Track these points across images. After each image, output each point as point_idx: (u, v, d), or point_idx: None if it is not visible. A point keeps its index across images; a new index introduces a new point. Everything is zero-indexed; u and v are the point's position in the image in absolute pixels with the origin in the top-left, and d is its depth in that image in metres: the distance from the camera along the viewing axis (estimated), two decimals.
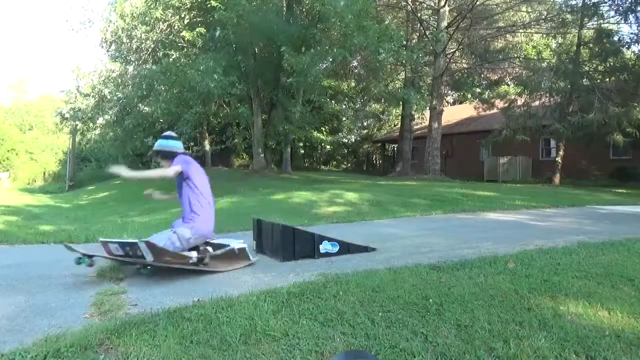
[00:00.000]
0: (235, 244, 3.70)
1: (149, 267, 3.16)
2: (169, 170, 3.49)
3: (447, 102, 26.80)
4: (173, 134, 3.89)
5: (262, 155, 16.59)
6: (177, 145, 3.72)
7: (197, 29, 12.89)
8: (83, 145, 31.86)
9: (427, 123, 19.81)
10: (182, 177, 3.55)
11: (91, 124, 21.47)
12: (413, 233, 5.29)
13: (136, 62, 15.70)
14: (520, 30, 19.14)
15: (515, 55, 19.37)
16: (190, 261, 3.37)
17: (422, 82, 20.77)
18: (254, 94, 15.71)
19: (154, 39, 14.15)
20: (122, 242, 3.24)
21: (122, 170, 3.44)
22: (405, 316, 2.31)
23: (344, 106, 27.71)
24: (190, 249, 3.48)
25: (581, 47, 15.88)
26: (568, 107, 15.26)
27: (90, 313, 2.51)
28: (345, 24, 12.06)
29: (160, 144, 3.70)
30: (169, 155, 3.62)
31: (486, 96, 20.21)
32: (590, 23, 16.21)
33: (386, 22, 15.77)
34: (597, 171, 16.41)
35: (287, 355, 1.91)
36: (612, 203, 9.01)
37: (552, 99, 15.96)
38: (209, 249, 3.58)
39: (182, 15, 13.96)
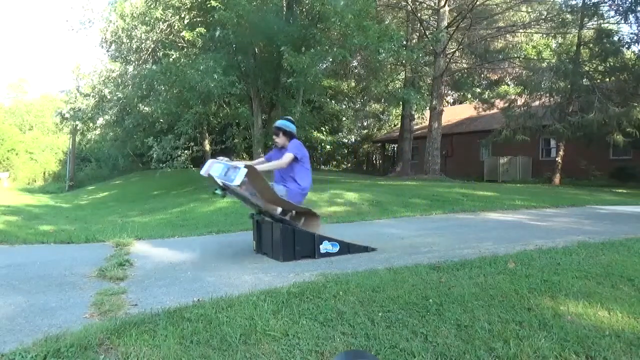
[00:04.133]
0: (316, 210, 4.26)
1: (224, 191, 3.56)
2: (284, 160, 4.07)
3: (447, 102, 26.79)
4: (293, 120, 4.51)
5: (262, 155, 16.56)
6: (294, 129, 4.37)
7: (197, 29, 12.87)
8: (83, 145, 31.84)
9: (427, 123, 19.82)
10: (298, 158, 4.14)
11: (91, 124, 21.42)
12: (413, 233, 5.29)
13: (136, 62, 15.67)
14: (520, 30, 19.13)
15: (515, 55, 19.36)
16: (278, 212, 3.86)
17: (422, 82, 20.76)
18: (254, 94, 15.69)
19: (154, 39, 14.13)
20: (230, 165, 3.52)
21: (237, 163, 3.81)
22: (405, 316, 2.31)
23: (344, 106, 27.68)
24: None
25: (581, 47, 15.88)
26: (568, 107, 15.26)
27: (90, 313, 2.51)
28: (345, 24, 12.05)
29: (284, 123, 4.34)
30: (287, 134, 4.28)
31: (486, 96, 20.21)
32: (590, 23, 16.22)
33: (386, 22, 15.79)
34: (597, 171, 16.40)
35: (287, 355, 1.91)
36: (612, 203, 9.01)
37: (552, 99, 15.96)
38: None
39: (182, 15, 13.94)
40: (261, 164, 4.18)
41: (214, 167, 3.62)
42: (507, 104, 16.81)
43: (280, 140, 4.32)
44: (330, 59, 15.22)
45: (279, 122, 4.41)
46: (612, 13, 15.92)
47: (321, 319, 2.28)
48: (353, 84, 23.65)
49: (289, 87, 15.62)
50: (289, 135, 4.29)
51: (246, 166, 3.39)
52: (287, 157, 4.06)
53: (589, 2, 15.39)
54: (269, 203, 3.84)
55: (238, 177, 3.31)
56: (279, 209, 3.91)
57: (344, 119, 28.75)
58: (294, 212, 4.14)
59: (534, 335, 2.06)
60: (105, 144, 26.93)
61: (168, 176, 16.80)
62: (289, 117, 4.54)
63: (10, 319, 2.41)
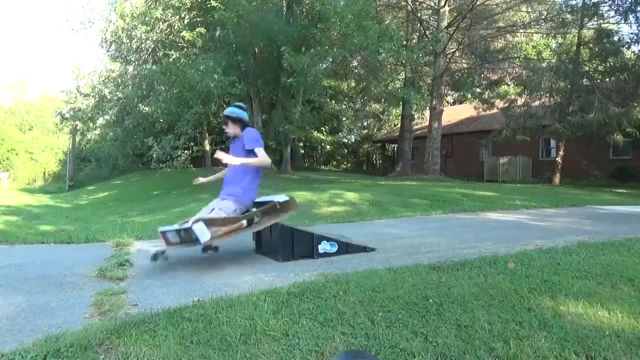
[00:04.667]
0: (278, 197, 3.90)
1: (211, 248, 3.44)
2: (267, 158, 3.89)
3: (447, 102, 26.78)
4: (243, 105, 4.19)
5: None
6: (245, 115, 4.06)
7: (197, 29, 12.88)
8: (83, 145, 31.84)
9: (427, 123, 19.82)
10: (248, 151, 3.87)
11: (91, 124, 21.43)
12: (413, 233, 5.29)
13: (136, 62, 15.67)
14: (520, 30, 19.14)
15: (515, 55, 19.37)
16: (243, 226, 3.64)
17: (422, 82, 20.76)
18: (254, 94, 15.71)
19: (154, 39, 14.13)
20: (177, 230, 3.41)
21: (228, 158, 3.76)
22: (405, 316, 2.31)
23: (344, 106, 27.70)
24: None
25: (581, 47, 15.88)
26: (568, 107, 15.26)
27: (90, 313, 2.51)
28: (345, 24, 12.05)
29: (233, 110, 4.01)
30: (237, 121, 3.97)
31: (486, 96, 20.21)
32: (590, 23, 16.22)
33: (386, 22, 15.78)
34: (597, 171, 16.40)
35: (287, 355, 1.91)
36: (612, 203, 9.01)
37: (552, 99, 15.96)
38: (253, 209, 3.90)
39: (182, 15, 13.94)
40: (235, 162, 3.81)
41: (170, 237, 3.42)
42: (507, 104, 16.82)
43: (230, 129, 3.99)
44: (330, 59, 15.22)
45: (227, 110, 4.08)
46: (612, 13, 15.96)
47: (321, 319, 2.28)
48: (353, 84, 23.67)
49: (289, 87, 15.64)
50: (240, 123, 3.97)
51: (196, 220, 3.31)
52: (262, 152, 3.82)
53: (589, 2, 15.39)
54: (231, 226, 3.59)
55: (201, 235, 3.25)
56: (244, 222, 3.70)
57: (344, 119, 28.76)
58: (258, 216, 3.85)
59: (534, 335, 2.06)
60: (105, 144, 26.93)
61: (168, 176, 16.80)
62: (239, 104, 4.18)
63: (10, 319, 2.41)
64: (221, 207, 3.72)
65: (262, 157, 3.82)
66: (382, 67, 15.85)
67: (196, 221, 3.32)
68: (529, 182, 16.55)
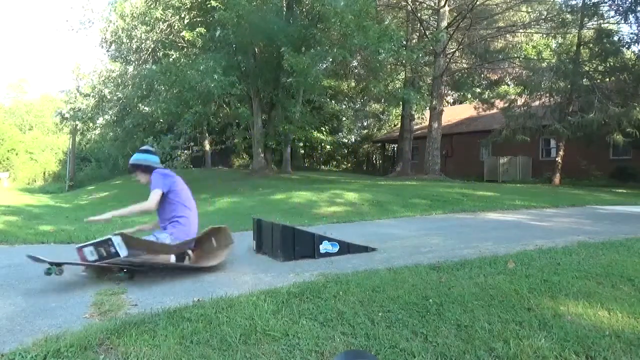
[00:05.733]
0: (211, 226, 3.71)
1: (125, 271, 3.09)
2: (152, 202, 3.48)
3: (447, 102, 26.78)
4: (150, 148, 3.90)
5: (262, 155, 16.60)
6: (154, 160, 3.74)
7: (197, 29, 12.89)
8: (83, 145, 31.85)
9: (427, 123, 19.81)
10: (164, 192, 3.58)
11: (91, 124, 21.48)
12: (413, 233, 5.29)
13: (136, 62, 15.69)
14: (520, 30, 19.13)
15: (515, 55, 19.36)
16: (168, 261, 3.34)
17: (422, 82, 20.76)
18: (254, 94, 15.71)
19: (154, 39, 14.15)
20: (95, 243, 3.09)
21: (103, 216, 3.46)
22: (405, 316, 2.31)
23: (344, 106, 27.70)
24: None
25: (581, 47, 15.88)
26: (568, 107, 15.26)
27: (90, 313, 2.51)
28: (345, 24, 12.06)
29: (137, 158, 3.71)
30: (147, 170, 3.66)
31: (486, 96, 20.21)
32: (590, 23, 16.21)
33: (386, 22, 15.77)
34: (597, 171, 16.40)
35: (287, 355, 1.91)
36: (612, 203, 9.01)
37: (552, 99, 15.95)
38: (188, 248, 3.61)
39: (182, 15, 13.95)
40: (123, 210, 3.60)
41: (86, 253, 3.09)
42: (507, 104, 16.81)
43: (142, 178, 3.70)
44: (330, 59, 15.23)
45: (133, 158, 3.72)
46: (612, 13, 15.93)
47: (321, 319, 2.28)
48: (353, 84, 23.66)
49: (289, 87, 15.65)
50: (148, 170, 3.65)
51: (115, 234, 3.04)
52: (153, 195, 3.48)
53: (589, 2, 15.38)
54: (160, 253, 3.35)
55: (120, 248, 2.99)
56: (172, 257, 3.39)
57: (344, 119, 28.77)
58: (190, 252, 3.61)
59: (534, 335, 2.06)
60: (105, 144, 26.96)
61: None
62: (145, 147, 3.88)
63: (10, 319, 2.41)
64: (159, 237, 3.46)
65: (147, 202, 3.49)
66: (382, 67, 15.84)
67: (116, 234, 3.06)
68: (529, 182, 16.54)
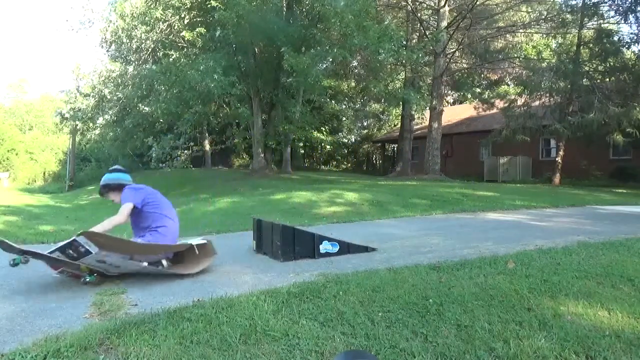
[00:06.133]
0: (194, 241, 3.64)
1: (94, 275, 3.04)
2: (122, 214, 3.40)
3: (447, 102, 26.79)
4: (120, 167, 3.88)
5: (262, 155, 16.61)
6: (125, 178, 3.70)
7: (197, 29, 12.89)
8: (83, 145, 31.85)
9: (427, 123, 19.81)
10: (139, 207, 3.51)
11: (91, 124, 21.46)
12: (413, 233, 5.29)
13: (136, 62, 15.69)
14: (520, 30, 19.14)
15: (515, 55, 19.36)
16: (140, 266, 3.25)
17: (422, 82, 20.77)
18: (254, 94, 15.71)
19: (154, 39, 14.14)
20: (60, 248, 2.93)
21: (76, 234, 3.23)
22: (405, 316, 2.31)
23: (344, 106, 27.71)
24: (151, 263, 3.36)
25: (581, 47, 15.88)
26: (568, 107, 15.26)
27: (90, 313, 2.51)
28: (345, 24, 12.05)
29: (107, 178, 3.68)
30: (117, 188, 3.62)
31: (486, 96, 20.21)
32: (590, 23, 16.21)
33: (386, 22, 15.76)
34: (597, 171, 16.40)
35: (287, 355, 1.91)
36: (612, 203, 9.01)
37: (552, 99, 15.95)
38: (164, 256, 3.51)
39: (182, 15, 13.95)
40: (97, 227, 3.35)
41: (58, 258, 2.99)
42: (507, 104, 16.81)
43: (115, 198, 3.63)
44: (331, 59, 15.22)
45: (104, 179, 3.68)
46: (612, 13, 15.93)
47: (321, 319, 2.28)
48: (353, 84, 23.67)
49: (289, 87, 15.66)
50: (119, 189, 3.59)
51: (78, 234, 2.94)
52: (123, 208, 3.41)
53: (589, 2, 15.39)
54: (138, 254, 3.26)
55: (88, 246, 2.90)
56: (144, 263, 3.28)
57: (344, 119, 28.77)
58: (164, 262, 3.48)
59: (534, 335, 2.06)
60: (105, 144, 26.94)
61: (168, 176, 16.79)
62: (115, 167, 3.86)
63: (10, 319, 2.41)
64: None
65: (117, 215, 3.40)
66: (382, 67, 15.85)
67: (79, 234, 2.95)
68: (529, 182, 16.54)
